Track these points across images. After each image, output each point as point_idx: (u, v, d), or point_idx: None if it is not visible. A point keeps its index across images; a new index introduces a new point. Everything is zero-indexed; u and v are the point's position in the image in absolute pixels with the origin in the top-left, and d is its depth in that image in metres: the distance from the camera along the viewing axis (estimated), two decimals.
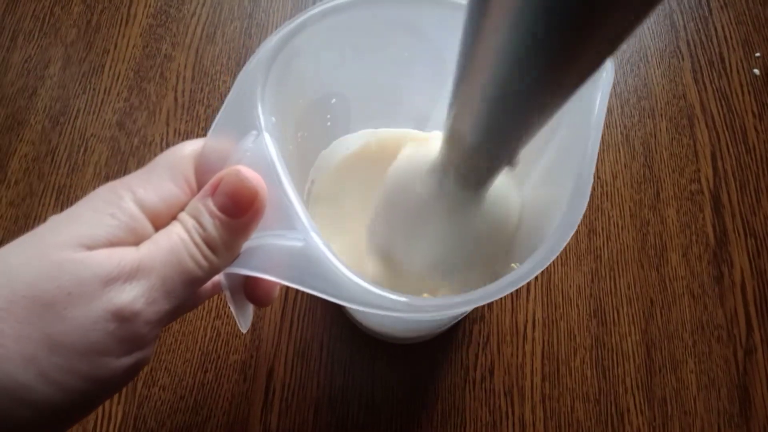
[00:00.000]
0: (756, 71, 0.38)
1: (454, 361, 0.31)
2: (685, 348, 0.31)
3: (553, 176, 0.20)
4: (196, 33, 0.39)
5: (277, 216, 0.15)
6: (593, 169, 0.17)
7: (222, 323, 0.31)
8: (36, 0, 0.39)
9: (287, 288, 0.32)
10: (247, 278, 0.17)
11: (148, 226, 0.14)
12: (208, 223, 0.14)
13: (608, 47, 0.10)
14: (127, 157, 0.35)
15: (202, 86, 0.37)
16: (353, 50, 0.21)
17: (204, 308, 0.32)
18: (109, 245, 0.13)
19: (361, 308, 0.15)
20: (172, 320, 0.16)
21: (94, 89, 0.37)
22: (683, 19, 0.40)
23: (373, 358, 0.31)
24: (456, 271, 0.21)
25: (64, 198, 0.34)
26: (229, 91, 0.17)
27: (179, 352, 0.30)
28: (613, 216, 0.34)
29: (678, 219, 0.34)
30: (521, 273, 0.16)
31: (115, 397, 0.30)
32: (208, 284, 0.19)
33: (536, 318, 0.32)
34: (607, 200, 0.35)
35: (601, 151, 0.36)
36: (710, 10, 0.40)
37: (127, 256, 0.13)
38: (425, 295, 0.23)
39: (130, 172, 0.15)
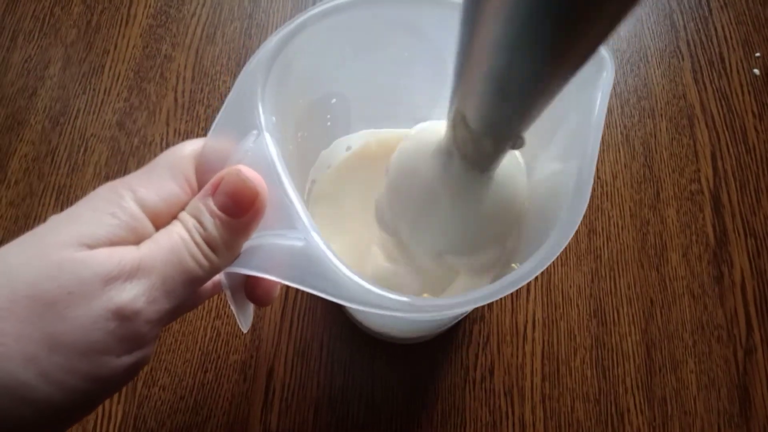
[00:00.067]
0: (756, 71, 0.38)
1: (454, 361, 0.31)
2: (685, 348, 0.31)
3: (553, 176, 0.20)
4: (196, 33, 0.39)
5: (278, 215, 0.15)
6: (593, 170, 0.17)
7: (222, 323, 0.31)
8: (36, 0, 0.40)
9: (287, 288, 0.32)
10: (248, 278, 0.17)
11: (149, 226, 0.14)
12: (209, 222, 0.14)
13: (607, 25, 0.10)
14: (127, 157, 0.35)
15: (202, 86, 0.37)
16: (353, 50, 0.21)
17: (204, 308, 0.32)
18: (110, 244, 0.13)
19: (361, 308, 0.15)
20: (172, 320, 0.16)
21: (94, 89, 0.37)
22: (683, 19, 0.40)
23: (373, 358, 0.31)
24: (467, 252, 0.21)
25: (64, 198, 0.34)
26: (229, 92, 0.17)
27: (179, 351, 0.30)
28: (613, 216, 0.34)
29: (678, 219, 0.34)
30: (521, 273, 0.16)
31: (115, 397, 0.30)
32: (209, 284, 0.19)
33: (536, 318, 0.32)
34: (607, 200, 0.35)
35: (601, 151, 0.36)
36: (710, 10, 0.40)
37: (127, 255, 0.13)
38: (425, 294, 0.23)
39: (130, 172, 0.15)
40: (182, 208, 0.15)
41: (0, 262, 0.13)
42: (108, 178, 0.35)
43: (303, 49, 0.19)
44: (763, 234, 0.34)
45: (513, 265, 0.21)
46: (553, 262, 0.16)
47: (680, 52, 0.39)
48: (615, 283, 0.33)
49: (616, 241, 0.33)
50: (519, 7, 0.09)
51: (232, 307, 0.17)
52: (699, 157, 0.36)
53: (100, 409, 0.29)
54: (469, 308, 0.24)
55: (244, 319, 0.18)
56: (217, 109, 0.17)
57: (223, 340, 0.31)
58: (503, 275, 0.16)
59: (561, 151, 0.20)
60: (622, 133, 0.36)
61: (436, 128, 0.19)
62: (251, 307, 0.19)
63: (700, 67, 0.38)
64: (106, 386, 0.13)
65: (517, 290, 0.16)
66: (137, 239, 0.14)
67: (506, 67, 0.11)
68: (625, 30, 0.39)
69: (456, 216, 0.19)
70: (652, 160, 0.36)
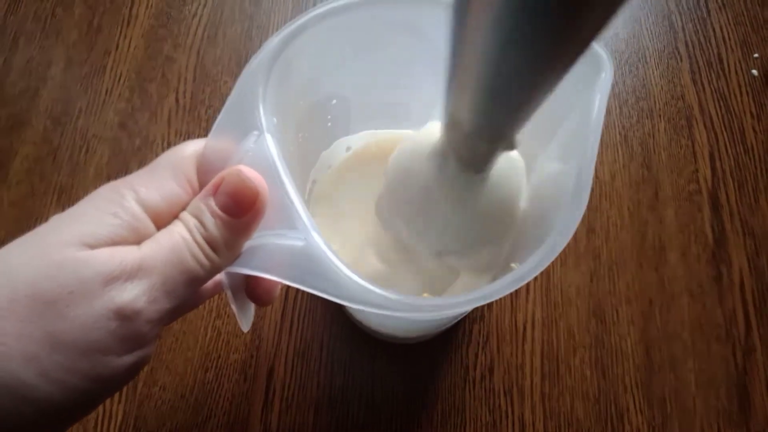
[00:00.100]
0: (754, 72, 0.38)
1: (454, 361, 0.31)
2: (684, 347, 0.31)
3: (553, 176, 0.21)
4: (198, 34, 0.39)
5: (279, 216, 0.16)
6: (593, 170, 0.17)
7: (222, 323, 0.31)
8: (38, 1, 0.40)
9: (288, 287, 0.32)
10: (249, 277, 0.18)
11: (150, 226, 0.14)
12: (210, 222, 0.15)
13: (595, 26, 0.10)
14: (129, 158, 0.35)
15: (203, 87, 0.37)
16: (354, 51, 0.22)
17: (204, 308, 0.32)
18: (112, 244, 0.13)
19: (361, 308, 0.15)
20: (173, 319, 0.16)
21: (95, 90, 0.37)
22: (681, 20, 0.40)
23: (373, 357, 0.31)
24: (466, 251, 0.21)
25: (66, 198, 0.34)
26: (230, 92, 0.17)
27: (180, 351, 0.31)
28: (612, 216, 0.34)
29: (676, 219, 0.34)
30: (521, 273, 0.16)
31: (116, 397, 0.30)
32: (210, 283, 0.19)
33: (536, 317, 0.32)
34: (606, 200, 0.35)
35: (600, 152, 0.36)
36: (708, 11, 0.40)
37: (128, 255, 0.13)
38: (425, 294, 0.23)
39: (131, 173, 0.15)
40: (183, 208, 0.15)
41: (1, 261, 0.13)
42: (109, 178, 0.35)
43: (304, 50, 0.19)
44: (761, 233, 0.34)
45: (512, 264, 0.21)
46: (553, 262, 0.16)
47: (679, 52, 0.39)
48: (614, 283, 0.33)
49: (615, 241, 0.34)
50: (506, 12, 0.09)
51: (233, 307, 0.17)
52: (697, 158, 0.36)
53: (100, 408, 0.29)
54: (468, 308, 0.24)
55: (245, 318, 0.18)
56: (218, 110, 0.17)
57: (223, 340, 0.31)
58: (503, 275, 0.16)
59: (560, 152, 0.20)
60: (620, 134, 0.37)
61: (434, 129, 0.19)
62: (252, 306, 0.19)
63: (699, 67, 0.38)
64: (106, 386, 0.13)
65: (516, 290, 0.16)
66: (138, 239, 0.14)
67: (496, 71, 0.11)
68: (623, 31, 0.40)
69: (452, 216, 0.20)
70: (651, 160, 0.36)
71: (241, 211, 0.15)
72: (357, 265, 0.23)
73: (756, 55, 0.39)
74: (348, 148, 0.27)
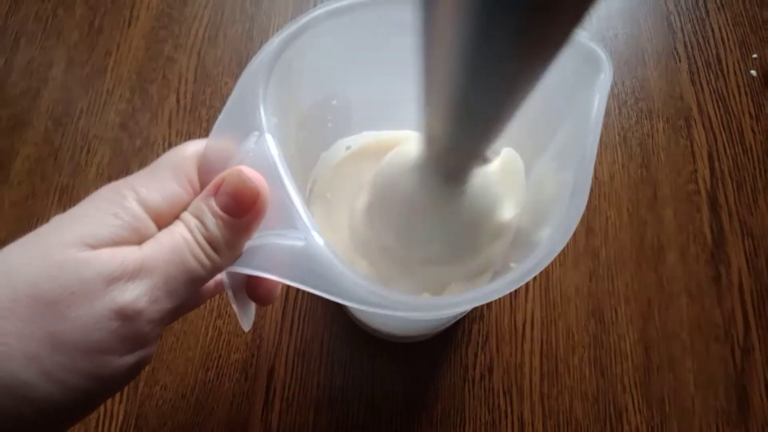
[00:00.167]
0: (753, 72, 0.38)
1: (453, 361, 0.31)
2: (682, 347, 0.31)
3: (552, 176, 0.21)
4: (198, 35, 0.39)
5: (279, 216, 0.16)
6: (592, 171, 0.17)
7: (223, 322, 0.31)
8: (39, 2, 0.40)
9: (288, 287, 0.32)
10: (250, 277, 0.18)
11: (151, 226, 0.15)
12: (211, 222, 0.15)
13: (554, 51, 0.10)
14: (130, 158, 0.35)
15: (204, 88, 0.37)
16: (354, 52, 0.22)
17: (205, 307, 0.32)
18: (113, 244, 0.13)
19: (362, 307, 0.15)
20: (174, 319, 0.16)
21: (96, 91, 0.37)
22: (680, 20, 0.40)
23: (373, 357, 0.31)
24: (451, 261, 0.21)
25: (67, 198, 0.34)
26: (231, 93, 0.17)
27: (181, 351, 0.31)
28: (610, 216, 0.34)
29: (675, 219, 0.34)
30: (520, 273, 0.16)
31: (117, 396, 0.30)
32: (211, 283, 0.19)
33: (535, 317, 0.32)
34: (605, 200, 0.35)
35: (599, 152, 0.36)
36: (707, 12, 0.40)
37: (130, 255, 0.13)
38: (425, 294, 0.23)
39: (132, 173, 0.15)
40: (184, 209, 0.15)
41: (2, 262, 0.13)
42: (110, 178, 0.35)
43: (304, 51, 0.19)
44: (760, 234, 0.34)
45: (512, 264, 0.21)
46: (552, 261, 0.16)
47: (677, 53, 0.39)
48: (613, 283, 0.33)
49: (613, 241, 0.34)
50: (468, 41, 0.10)
51: (234, 307, 0.18)
52: (696, 158, 0.36)
53: (101, 408, 0.30)
54: (468, 307, 0.24)
55: (246, 318, 0.18)
56: (219, 111, 0.17)
57: (224, 340, 0.31)
58: (503, 275, 0.16)
59: (559, 152, 0.20)
60: (619, 134, 0.37)
61: (414, 144, 0.20)
62: (253, 306, 0.19)
63: (697, 68, 0.38)
64: (107, 385, 0.13)
65: (516, 290, 0.16)
66: (140, 239, 0.14)
67: (462, 95, 0.12)
68: (622, 31, 0.40)
69: (436, 228, 0.20)
70: (650, 160, 0.36)
71: (241, 211, 0.15)
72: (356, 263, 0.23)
73: (755, 55, 0.39)
74: (348, 148, 0.27)
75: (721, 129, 0.37)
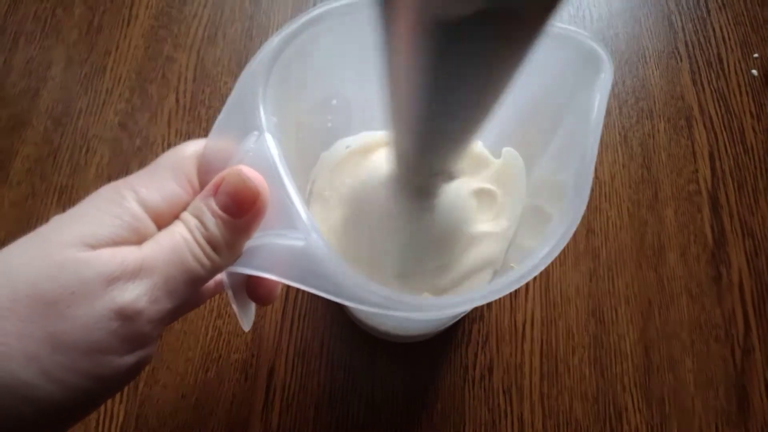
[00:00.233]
0: (754, 72, 0.38)
1: (453, 361, 0.31)
2: (683, 347, 0.31)
3: (553, 176, 0.21)
4: (198, 34, 0.39)
5: (279, 215, 0.16)
6: (592, 171, 0.17)
7: (223, 322, 0.31)
8: (38, 1, 0.40)
9: (288, 287, 0.32)
10: (250, 277, 0.18)
11: (151, 226, 0.14)
12: (211, 222, 0.15)
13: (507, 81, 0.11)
14: (129, 158, 0.35)
15: (203, 87, 0.37)
16: (354, 51, 0.22)
17: (205, 308, 0.32)
18: (113, 244, 0.13)
19: (362, 307, 0.15)
20: (174, 319, 0.16)
21: (96, 90, 0.37)
22: (681, 19, 0.40)
23: (373, 357, 0.31)
24: (426, 273, 0.22)
25: (66, 198, 0.34)
26: (230, 92, 0.17)
27: (181, 351, 0.31)
28: (611, 216, 0.34)
29: (676, 219, 0.34)
30: (520, 273, 0.16)
31: (117, 396, 0.30)
32: (211, 283, 0.19)
33: (535, 317, 0.32)
34: (606, 200, 0.35)
35: (600, 152, 0.36)
36: (708, 11, 0.40)
37: (130, 255, 0.13)
38: (426, 294, 0.23)
39: (132, 173, 0.15)
40: (184, 209, 0.15)
41: (2, 262, 0.13)
42: (110, 178, 0.35)
43: (304, 50, 0.19)
44: (760, 234, 0.34)
45: (512, 264, 0.21)
46: (552, 261, 0.16)
47: (678, 52, 0.39)
48: (613, 283, 0.33)
49: (614, 241, 0.34)
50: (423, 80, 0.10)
51: (234, 307, 0.18)
52: (697, 158, 0.36)
53: (102, 408, 0.30)
54: (468, 308, 0.24)
55: (246, 318, 0.18)
56: (219, 110, 0.17)
57: (224, 340, 0.31)
58: (503, 275, 0.16)
59: (560, 152, 0.20)
60: (620, 134, 0.37)
61: (385, 160, 0.20)
62: (253, 306, 0.19)
63: (698, 68, 0.38)
64: (108, 385, 0.13)
65: (516, 290, 0.16)
66: (139, 239, 0.14)
67: (422, 117, 0.12)
68: (623, 31, 0.40)
69: (406, 242, 0.21)
70: (651, 160, 0.36)
71: (241, 211, 0.15)
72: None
73: (756, 55, 0.39)
74: (348, 148, 0.27)
75: (722, 129, 0.37)
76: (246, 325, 0.18)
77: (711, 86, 0.38)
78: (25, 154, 0.35)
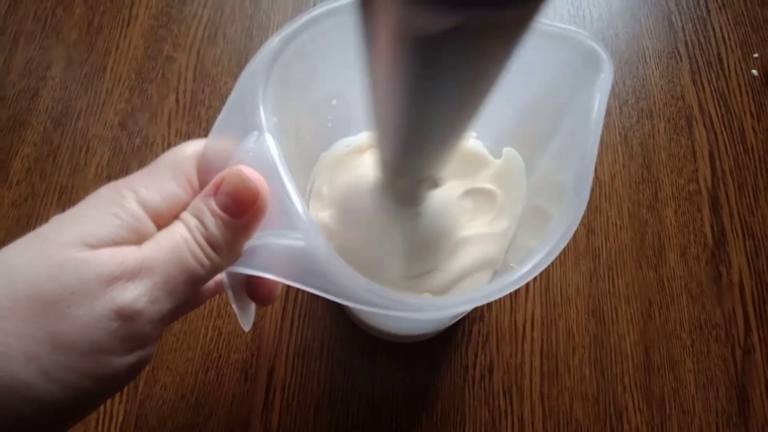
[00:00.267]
0: (754, 72, 0.38)
1: (453, 361, 0.31)
2: (683, 347, 0.31)
3: (553, 176, 0.21)
4: (198, 34, 0.39)
5: (279, 215, 0.16)
6: (592, 171, 0.17)
7: (223, 322, 0.31)
8: (38, 1, 0.40)
9: (288, 287, 0.32)
10: (250, 277, 0.18)
11: (151, 226, 0.14)
12: (210, 222, 0.15)
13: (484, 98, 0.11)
14: (129, 158, 0.35)
15: (203, 87, 0.37)
16: (354, 52, 0.22)
17: (205, 308, 0.32)
18: (112, 244, 0.13)
19: (362, 307, 0.15)
20: (174, 319, 0.16)
21: (95, 90, 0.37)
22: (681, 19, 0.40)
23: (374, 357, 0.31)
24: (412, 279, 0.22)
25: (66, 198, 0.34)
26: (230, 92, 0.17)
27: (181, 351, 0.31)
28: (611, 216, 0.34)
29: (676, 219, 0.34)
30: (520, 273, 0.16)
31: (117, 396, 0.30)
32: (211, 283, 0.19)
33: (535, 317, 0.32)
34: (606, 200, 0.35)
35: (600, 152, 0.36)
36: (708, 11, 0.40)
37: (129, 255, 0.13)
38: (426, 294, 0.23)
39: (132, 173, 0.15)
40: (184, 209, 0.15)
41: (2, 262, 0.13)
42: (110, 178, 0.35)
43: (304, 50, 0.19)
44: (761, 234, 0.34)
45: (512, 265, 0.21)
46: (552, 262, 0.16)
47: (678, 52, 0.39)
48: (613, 283, 0.33)
49: (614, 241, 0.34)
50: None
51: (234, 307, 0.18)
52: (697, 158, 0.36)
53: (101, 408, 0.30)
54: (468, 308, 0.24)
55: (246, 318, 0.18)
56: (219, 110, 0.17)
57: (224, 340, 0.31)
58: (503, 275, 0.16)
59: (560, 152, 0.20)
60: (620, 134, 0.37)
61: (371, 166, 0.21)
62: (253, 306, 0.19)
63: (699, 67, 0.38)
64: (107, 385, 0.13)
65: (516, 290, 0.16)
66: (139, 239, 0.14)
67: (404, 127, 0.12)
68: (623, 31, 0.40)
69: (393, 248, 0.21)
70: (651, 160, 0.36)
71: (241, 210, 0.15)
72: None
73: (756, 55, 0.39)
74: (348, 148, 0.27)
75: (722, 128, 0.37)
76: (246, 325, 0.18)
77: (711, 86, 0.38)
78: (24, 154, 0.35)
